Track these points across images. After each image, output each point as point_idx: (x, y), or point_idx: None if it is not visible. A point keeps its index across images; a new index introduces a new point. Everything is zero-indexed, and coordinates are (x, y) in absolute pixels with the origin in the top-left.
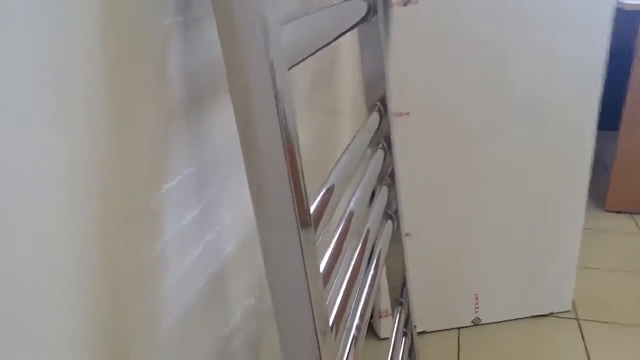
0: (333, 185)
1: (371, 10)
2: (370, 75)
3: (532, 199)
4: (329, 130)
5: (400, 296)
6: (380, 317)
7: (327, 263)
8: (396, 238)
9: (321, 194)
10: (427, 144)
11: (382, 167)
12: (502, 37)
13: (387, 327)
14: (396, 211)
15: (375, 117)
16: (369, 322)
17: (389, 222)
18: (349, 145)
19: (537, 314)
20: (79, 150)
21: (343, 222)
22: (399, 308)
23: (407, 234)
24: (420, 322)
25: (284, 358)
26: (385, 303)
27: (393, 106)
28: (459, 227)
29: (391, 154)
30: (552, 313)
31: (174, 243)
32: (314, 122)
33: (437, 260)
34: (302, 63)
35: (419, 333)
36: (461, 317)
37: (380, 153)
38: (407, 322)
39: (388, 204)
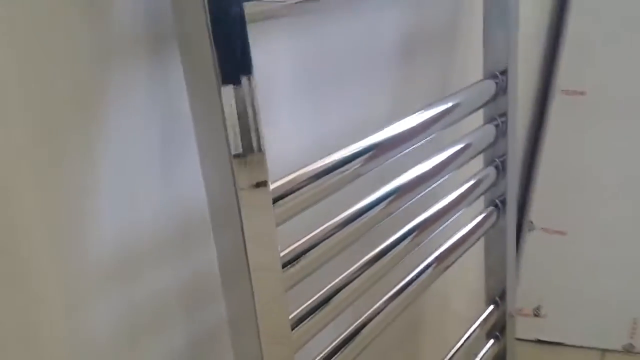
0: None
1: None
2: (492, 38)
3: None
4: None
5: (498, 296)
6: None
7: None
8: (500, 229)
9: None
10: (602, 131)
11: (492, 146)
12: None
13: (521, 326)
14: (503, 200)
15: (488, 85)
16: None
17: (492, 209)
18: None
19: None
20: None
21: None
22: (493, 308)
23: (560, 232)
24: (559, 332)
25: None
26: (521, 300)
27: (563, 81)
28: (627, 236)
29: (506, 134)
30: None
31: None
32: (415, 91)
33: (594, 267)
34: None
35: (555, 344)
36: (610, 339)
37: (490, 128)
38: (504, 326)
39: (492, 189)
